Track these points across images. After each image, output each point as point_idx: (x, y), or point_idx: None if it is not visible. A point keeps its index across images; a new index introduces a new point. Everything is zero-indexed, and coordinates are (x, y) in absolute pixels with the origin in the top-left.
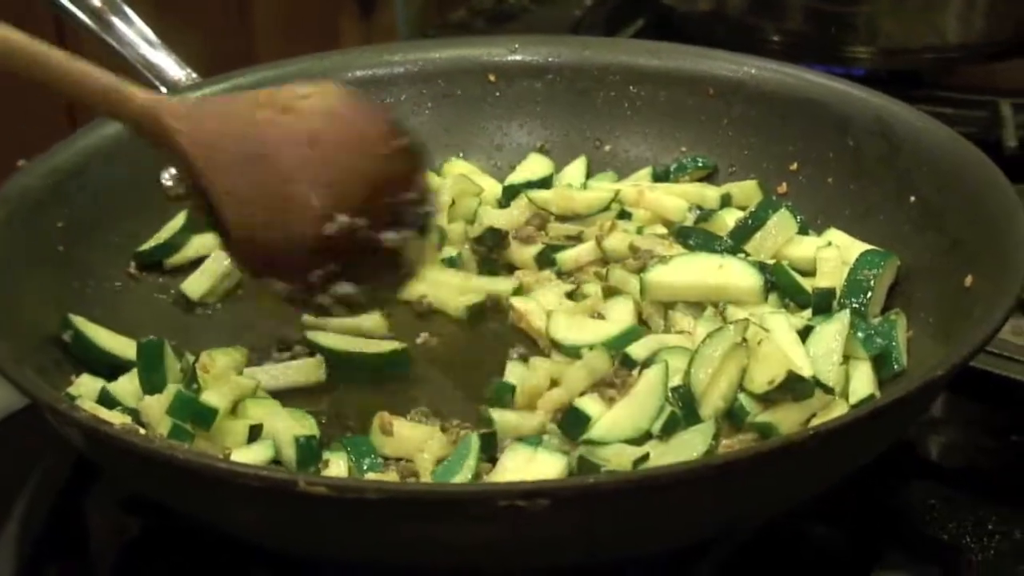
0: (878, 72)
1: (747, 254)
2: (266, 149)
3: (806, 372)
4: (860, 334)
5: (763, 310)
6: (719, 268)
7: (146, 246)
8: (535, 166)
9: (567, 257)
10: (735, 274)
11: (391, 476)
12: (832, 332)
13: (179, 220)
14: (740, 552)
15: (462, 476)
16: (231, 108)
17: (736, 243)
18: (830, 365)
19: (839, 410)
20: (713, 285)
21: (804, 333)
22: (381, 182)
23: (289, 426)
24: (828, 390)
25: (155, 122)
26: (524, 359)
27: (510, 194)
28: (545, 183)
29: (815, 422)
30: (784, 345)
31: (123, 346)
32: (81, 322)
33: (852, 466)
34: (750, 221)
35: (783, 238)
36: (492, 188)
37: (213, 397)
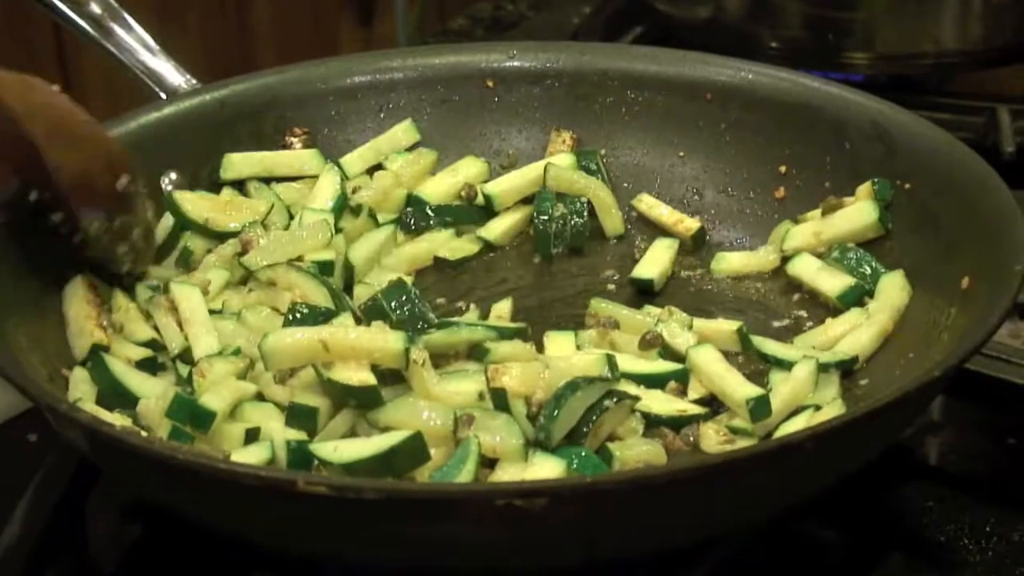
0: (876, 78)
1: None
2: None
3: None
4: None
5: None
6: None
7: None
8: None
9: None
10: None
11: None
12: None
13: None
14: (737, 553)
15: (461, 479)
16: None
17: None
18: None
19: (835, 411)
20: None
21: None
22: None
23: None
24: None
25: None
26: None
27: None
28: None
29: (813, 421)
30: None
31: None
32: (109, 360)
33: (850, 468)
34: None
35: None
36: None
37: (212, 400)
